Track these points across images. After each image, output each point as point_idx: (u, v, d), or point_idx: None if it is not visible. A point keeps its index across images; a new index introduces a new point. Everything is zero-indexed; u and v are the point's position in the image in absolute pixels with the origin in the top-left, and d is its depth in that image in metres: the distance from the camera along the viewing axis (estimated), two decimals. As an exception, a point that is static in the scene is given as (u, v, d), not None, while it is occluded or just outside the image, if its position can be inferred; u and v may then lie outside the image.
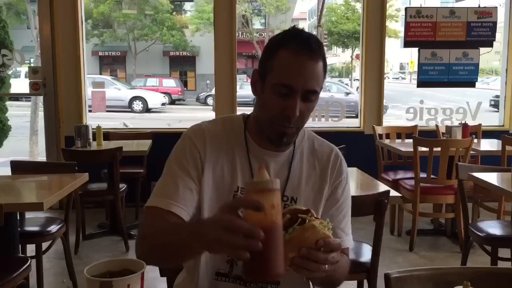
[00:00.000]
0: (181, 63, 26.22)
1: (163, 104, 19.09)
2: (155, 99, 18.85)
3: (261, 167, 1.02)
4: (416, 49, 5.47)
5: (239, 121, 1.39)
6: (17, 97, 14.15)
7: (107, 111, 15.63)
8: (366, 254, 2.59)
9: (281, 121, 1.26)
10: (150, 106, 18.32)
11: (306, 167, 1.38)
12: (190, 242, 1.04)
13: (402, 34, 6.16)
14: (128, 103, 18.13)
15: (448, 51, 5.38)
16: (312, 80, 1.24)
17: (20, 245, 2.87)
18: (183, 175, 1.29)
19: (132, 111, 17.83)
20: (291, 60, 1.23)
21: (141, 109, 18.11)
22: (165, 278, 1.61)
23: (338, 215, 1.38)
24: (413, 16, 5.35)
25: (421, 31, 5.36)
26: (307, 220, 1.05)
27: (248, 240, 0.91)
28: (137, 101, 18.35)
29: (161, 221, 1.23)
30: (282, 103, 1.24)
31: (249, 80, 1.39)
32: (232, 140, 1.36)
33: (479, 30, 5.37)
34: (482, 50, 5.46)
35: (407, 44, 5.49)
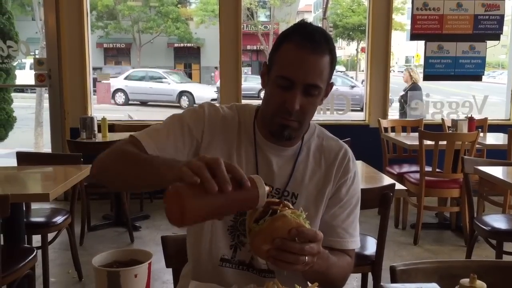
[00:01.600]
0: (186, 55, 26.18)
1: (213, 99, 17.45)
2: (204, 93, 17.58)
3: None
4: (422, 42, 5.44)
5: (251, 112, 1.39)
6: (22, 88, 14.17)
7: (158, 105, 15.46)
8: (370, 247, 2.59)
9: (281, 114, 1.26)
10: (197, 101, 16.97)
11: (312, 164, 1.36)
12: (162, 165, 1.07)
13: (408, 27, 6.12)
14: (177, 98, 17.45)
15: (455, 44, 5.35)
16: (313, 74, 1.23)
17: (26, 236, 2.89)
18: (177, 130, 1.30)
19: (180, 106, 17.02)
20: (293, 53, 1.23)
21: (187, 104, 17.15)
22: (170, 269, 1.61)
23: (341, 214, 1.35)
24: (420, 8, 5.31)
25: (428, 24, 5.33)
26: (278, 211, 1.05)
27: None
28: (184, 97, 17.55)
29: (140, 153, 1.23)
30: (283, 96, 1.24)
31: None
32: (242, 130, 1.36)
33: (486, 23, 5.33)
34: (489, 43, 5.42)
35: (414, 37, 5.46)
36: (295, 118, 1.26)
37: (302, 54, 1.22)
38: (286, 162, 1.35)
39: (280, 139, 1.32)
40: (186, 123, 1.32)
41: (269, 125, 1.31)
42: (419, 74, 6.44)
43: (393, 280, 1.34)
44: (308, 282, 1.17)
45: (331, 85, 1.31)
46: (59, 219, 3.07)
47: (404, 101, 6.42)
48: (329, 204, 1.36)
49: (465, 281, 1.02)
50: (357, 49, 27.95)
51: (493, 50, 5.67)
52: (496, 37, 5.42)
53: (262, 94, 1.38)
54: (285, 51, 1.25)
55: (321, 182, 1.35)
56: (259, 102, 1.39)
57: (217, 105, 1.39)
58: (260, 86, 1.37)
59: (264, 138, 1.35)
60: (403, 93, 6.57)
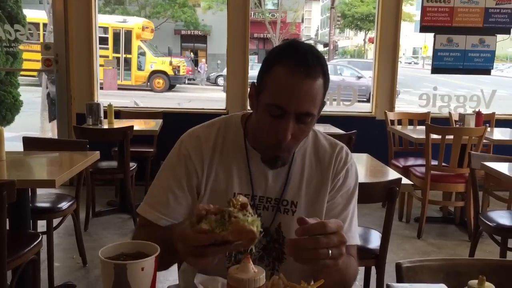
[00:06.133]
0: (192, 42, 26.12)
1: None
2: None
3: (246, 257, 0.98)
4: (431, 34, 5.39)
5: (238, 125, 1.35)
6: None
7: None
8: (374, 240, 2.58)
9: (273, 146, 1.21)
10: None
11: (308, 170, 1.34)
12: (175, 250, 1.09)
13: (416, 18, 6.07)
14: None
15: (465, 38, 5.30)
16: (306, 102, 1.17)
17: (31, 221, 2.90)
18: (175, 188, 1.30)
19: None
20: (286, 79, 1.16)
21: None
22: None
23: (334, 209, 1.33)
24: (430, 0, 5.25)
25: (438, 16, 5.27)
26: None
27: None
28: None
29: (154, 235, 1.23)
30: (274, 125, 1.19)
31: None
32: (229, 145, 1.33)
33: (497, 16, 5.27)
34: (499, 37, 5.37)
35: (423, 29, 5.40)
36: (286, 148, 1.22)
37: (295, 81, 1.15)
38: (280, 172, 1.32)
39: (273, 168, 1.29)
40: (177, 177, 1.31)
41: (261, 152, 1.28)
42: None
43: (399, 276, 1.34)
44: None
45: (323, 104, 1.26)
46: (64, 205, 3.08)
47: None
48: (327, 207, 1.34)
49: (473, 282, 1.02)
50: (364, 39, 27.78)
51: (501, 43, 5.61)
52: (507, 31, 5.38)
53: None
54: (277, 76, 1.17)
55: (318, 186, 1.34)
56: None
57: (195, 136, 1.34)
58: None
59: (255, 150, 1.32)
60: None
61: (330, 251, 1.01)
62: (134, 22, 17.65)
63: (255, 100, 1.26)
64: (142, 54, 17.49)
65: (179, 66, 18.15)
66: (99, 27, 17.56)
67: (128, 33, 16.78)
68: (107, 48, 16.16)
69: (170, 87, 18.04)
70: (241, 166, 1.31)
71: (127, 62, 17.07)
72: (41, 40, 6.37)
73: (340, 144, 1.39)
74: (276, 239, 1.32)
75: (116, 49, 16.67)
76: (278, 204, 1.32)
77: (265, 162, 1.28)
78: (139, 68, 17.52)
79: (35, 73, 12.44)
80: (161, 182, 1.33)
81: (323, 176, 1.34)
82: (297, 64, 1.16)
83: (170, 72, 17.81)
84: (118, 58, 16.68)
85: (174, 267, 1.73)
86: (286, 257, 1.32)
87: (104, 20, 17.42)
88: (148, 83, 17.65)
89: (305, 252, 1.00)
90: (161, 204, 1.30)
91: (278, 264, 1.33)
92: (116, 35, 16.63)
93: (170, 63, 18.01)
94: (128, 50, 16.96)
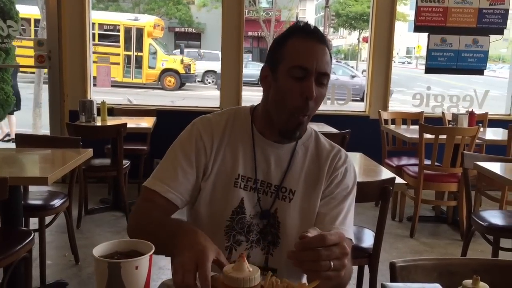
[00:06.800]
0: (186, 40, 26.05)
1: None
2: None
3: (241, 256, 0.96)
4: (425, 34, 5.40)
5: (246, 113, 1.43)
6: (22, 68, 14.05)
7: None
8: (367, 239, 2.59)
9: (299, 109, 1.28)
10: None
11: (308, 163, 1.41)
12: (169, 250, 1.08)
13: (410, 18, 6.09)
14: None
15: (458, 38, 5.32)
16: (324, 63, 1.28)
17: (23, 218, 2.88)
18: (184, 164, 1.35)
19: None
20: (303, 44, 1.27)
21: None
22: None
23: (330, 204, 1.38)
24: (424, 0, 5.27)
25: (432, 16, 5.29)
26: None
27: None
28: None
29: (157, 211, 1.30)
30: (299, 86, 1.26)
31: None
32: (237, 130, 1.40)
33: (491, 17, 5.29)
34: (492, 37, 5.40)
35: (417, 28, 5.42)
36: (308, 111, 1.29)
37: (312, 44, 1.27)
38: (282, 159, 1.39)
39: (292, 138, 1.36)
40: (187, 154, 1.36)
41: (283, 123, 1.32)
42: None
43: (392, 275, 1.34)
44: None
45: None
46: (57, 202, 3.06)
47: None
48: (321, 198, 1.39)
49: (467, 282, 1.02)
50: (358, 39, 27.83)
51: (494, 44, 5.64)
52: (500, 31, 5.40)
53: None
54: (294, 44, 1.28)
55: (315, 180, 1.40)
56: (259, 89, 1.41)
57: (206, 119, 1.42)
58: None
59: (262, 137, 1.39)
60: None
61: (331, 263, 1.01)
62: (146, 20, 17.45)
63: (270, 78, 1.33)
64: (153, 52, 17.35)
65: (190, 65, 18.00)
66: (111, 24, 17.33)
67: (140, 31, 16.63)
68: (119, 46, 16.07)
69: (181, 86, 17.95)
70: (247, 150, 1.38)
71: (138, 60, 16.95)
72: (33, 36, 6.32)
73: (339, 147, 1.47)
74: (272, 223, 1.37)
75: (127, 47, 16.56)
76: (278, 191, 1.37)
77: (285, 133, 1.34)
78: (150, 66, 17.39)
79: (31, 70, 12.33)
80: (171, 158, 1.38)
81: (319, 171, 1.40)
82: (310, 33, 1.29)
83: (181, 70, 17.65)
84: (128, 56, 16.60)
85: (168, 266, 1.72)
86: (281, 241, 1.36)
87: (116, 18, 17.31)
88: (159, 82, 17.54)
89: (307, 264, 1.00)
90: (170, 178, 1.34)
91: (272, 248, 1.37)
92: (128, 33, 16.50)
93: (182, 61, 17.87)
94: (139, 48, 16.82)
